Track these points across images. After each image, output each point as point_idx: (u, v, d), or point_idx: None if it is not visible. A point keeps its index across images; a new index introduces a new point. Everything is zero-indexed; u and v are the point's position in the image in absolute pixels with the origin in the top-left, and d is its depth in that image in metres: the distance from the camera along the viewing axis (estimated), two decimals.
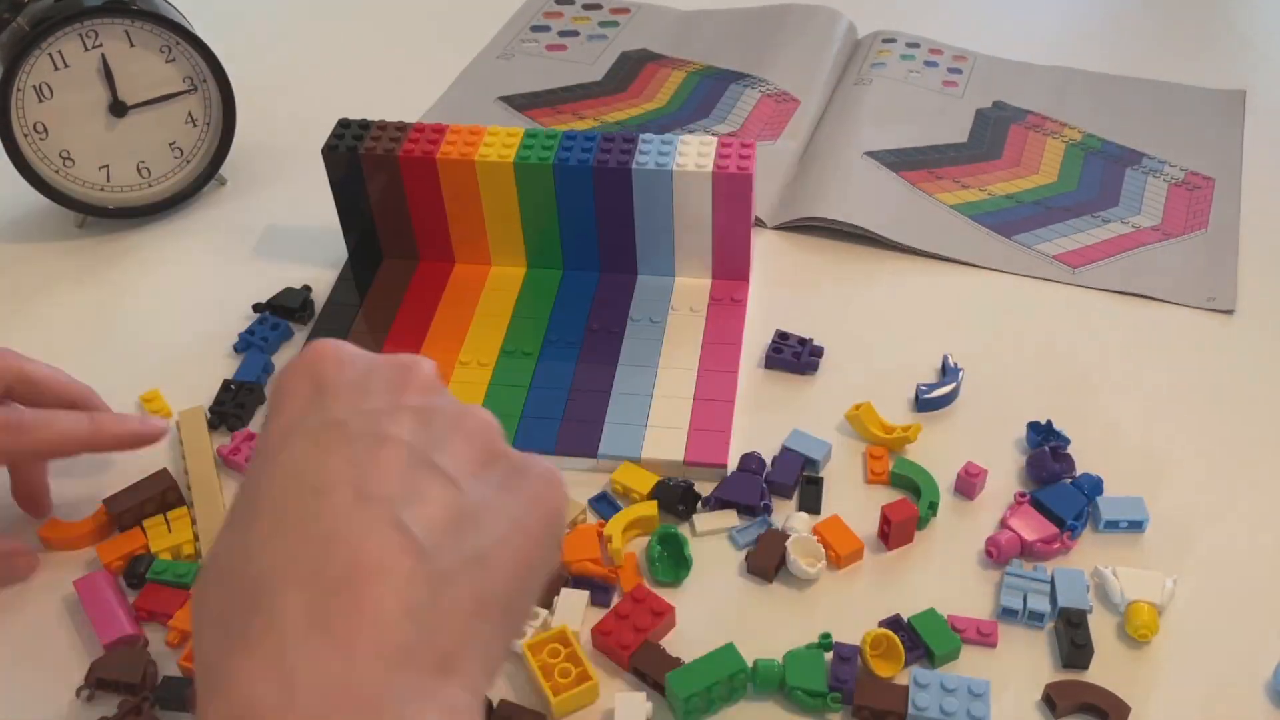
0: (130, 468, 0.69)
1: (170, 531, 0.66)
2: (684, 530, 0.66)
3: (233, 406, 0.73)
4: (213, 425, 0.73)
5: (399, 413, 0.41)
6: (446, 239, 0.81)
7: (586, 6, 1.15)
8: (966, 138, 0.96)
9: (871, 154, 0.92)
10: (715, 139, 0.77)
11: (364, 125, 0.79)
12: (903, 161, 0.92)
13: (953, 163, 0.93)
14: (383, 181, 0.78)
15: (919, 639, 0.60)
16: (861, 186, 0.89)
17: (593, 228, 0.79)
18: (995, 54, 1.07)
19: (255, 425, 0.73)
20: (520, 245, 0.81)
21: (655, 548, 0.64)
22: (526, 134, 0.78)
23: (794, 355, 0.75)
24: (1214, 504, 0.67)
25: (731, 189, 0.75)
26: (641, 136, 0.77)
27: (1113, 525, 0.65)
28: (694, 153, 0.76)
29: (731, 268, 0.80)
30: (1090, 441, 0.70)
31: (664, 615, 0.61)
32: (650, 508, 0.66)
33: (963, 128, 0.97)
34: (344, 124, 0.79)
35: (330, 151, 0.78)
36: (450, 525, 0.39)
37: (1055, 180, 0.91)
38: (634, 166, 0.75)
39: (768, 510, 0.67)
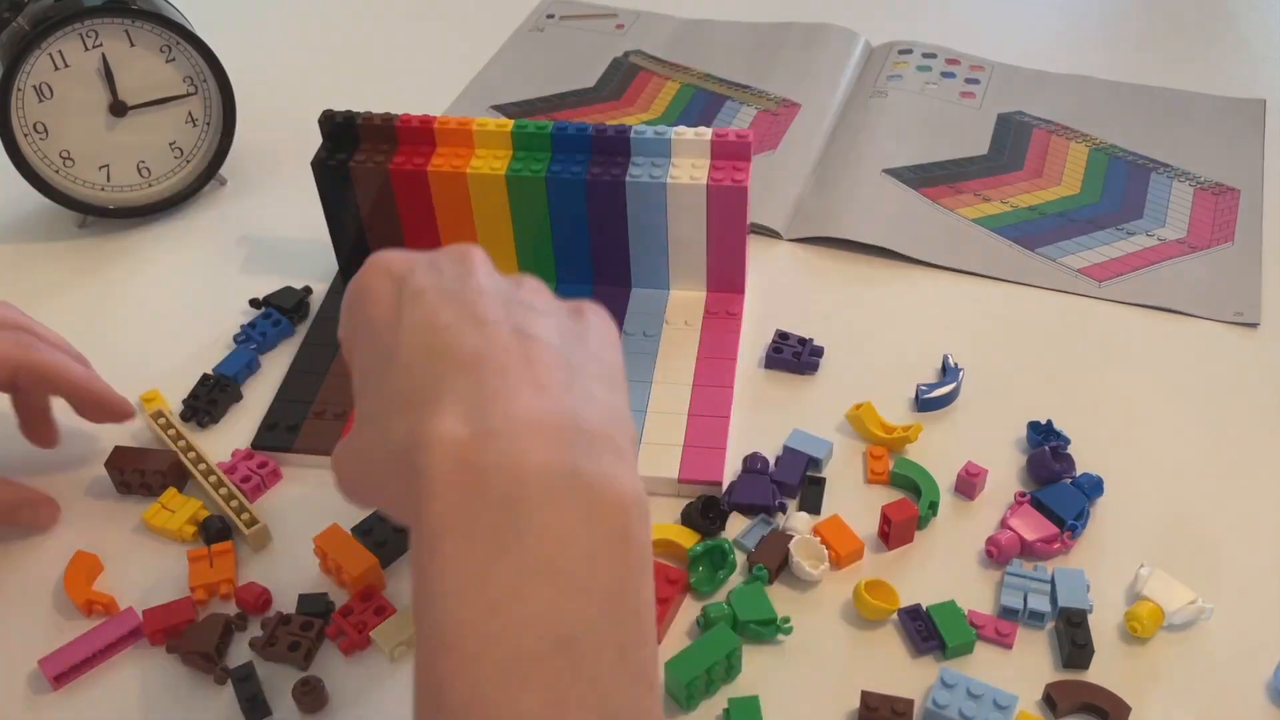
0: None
1: (173, 512, 0.67)
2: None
3: (205, 402, 0.73)
4: (184, 417, 0.73)
5: (475, 274, 0.46)
6: (436, 240, 0.80)
7: (586, 16, 1.14)
8: (987, 148, 0.96)
9: (890, 171, 0.92)
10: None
11: (349, 117, 0.77)
12: (922, 178, 0.92)
13: (973, 175, 0.92)
14: (373, 194, 0.77)
15: (934, 629, 0.60)
16: (882, 205, 0.88)
17: (586, 240, 0.78)
18: (1012, 63, 1.06)
19: (227, 422, 0.73)
20: (513, 257, 0.80)
21: (697, 568, 0.64)
22: (515, 130, 0.76)
23: (794, 355, 0.75)
24: (1219, 507, 0.67)
25: (726, 201, 0.75)
26: (634, 129, 0.76)
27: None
28: (688, 165, 0.75)
29: (726, 280, 0.79)
30: (1094, 444, 0.70)
31: (678, 584, 0.62)
32: (682, 535, 0.65)
33: (983, 138, 0.97)
34: (328, 114, 0.78)
35: (319, 165, 0.77)
36: (561, 334, 0.45)
37: (1078, 191, 0.91)
38: (627, 180, 0.74)
39: (783, 509, 0.67)
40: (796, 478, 0.68)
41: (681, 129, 0.76)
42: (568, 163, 0.75)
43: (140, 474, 0.68)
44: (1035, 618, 0.61)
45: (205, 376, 0.75)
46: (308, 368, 0.76)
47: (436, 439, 0.40)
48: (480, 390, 0.41)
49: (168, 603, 0.63)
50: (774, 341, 0.76)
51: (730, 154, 0.75)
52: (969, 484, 0.67)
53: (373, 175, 0.76)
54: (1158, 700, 0.58)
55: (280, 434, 0.72)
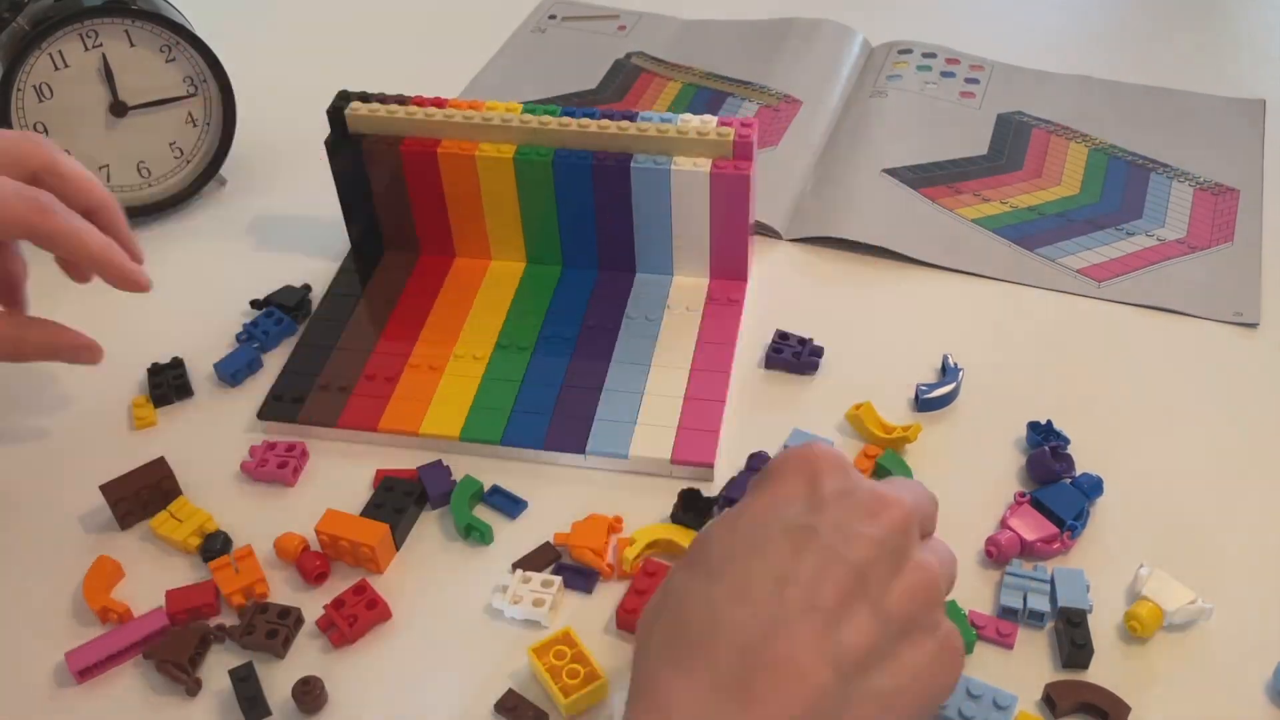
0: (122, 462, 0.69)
1: (181, 521, 0.66)
2: None
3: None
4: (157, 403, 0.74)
5: (864, 541, 0.46)
6: (447, 231, 0.81)
7: (588, 18, 1.14)
8: (986, 148, 0.96)
9: (890, 171, 0.92)
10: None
11: (364, 99, 0.79)
12: (921, 178, 0.92)
13: (973, 176, 0.92)
14: (385, 171, 0.79)
15: None
16: (882, 205, 0.88)
17: (591, 223, 0.79)
18: (1012, 63, 1.06)
19: (225, 417, 0.74)
20: (520, 240, 0.80)
21: None
22: (524, 108, 0.77)
23: (794, 355, 0.75)
24: (1219, 507, 0.67)
25: (729, 190, 0.75)
26: (641, 115, 0.77)
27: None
28: (694, 131, 0.75)
29: (729, 268, 0.80)
30: (1094, 444, 0.69)
31: None
32: (681, 535, 0.65)
33: (982, 138, 0.97)
34: (344, 95, 0.80)
35: (333, 143, 0.78)
36: (865, 658, 0.44)
37: (1078, 192, 0.91)
38: (633, 165, 0.75)
39: None
40: None
41: (687, 116, 0.76)
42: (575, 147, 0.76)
43: (136, 497, 0.67)
44: (1035, 618, 0.61)
45: (177, 360, 0.76)
46: (316, 341, 0.77)
47: (659, 700, 0.43)
48: (730, 684, 0.43)
49: (189, 585, 0.63)
50: (774, 341, 0.76)
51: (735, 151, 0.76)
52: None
53: (385, 154, 0.77)
54: (1158, 700, 0.58)
55: (286, 405, 0.73)
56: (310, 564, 0.64)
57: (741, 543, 0.46)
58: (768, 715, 0.41)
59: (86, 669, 0.60)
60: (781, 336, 0.76)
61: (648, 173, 0.75)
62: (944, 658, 0.47)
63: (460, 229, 0.81)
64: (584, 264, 0.81)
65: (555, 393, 0.73)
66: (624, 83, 1.04)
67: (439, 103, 0.79)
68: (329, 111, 0.79)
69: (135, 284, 0.69)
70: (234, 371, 0.75)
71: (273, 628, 0.60)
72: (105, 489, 0.67)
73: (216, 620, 0.62)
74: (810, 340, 0.76)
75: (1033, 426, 0.70)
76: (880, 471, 0.68)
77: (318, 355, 0.76)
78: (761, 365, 0.76)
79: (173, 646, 0.60)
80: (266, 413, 0.72)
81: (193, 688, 0.59)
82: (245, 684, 0.58)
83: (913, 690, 0.46)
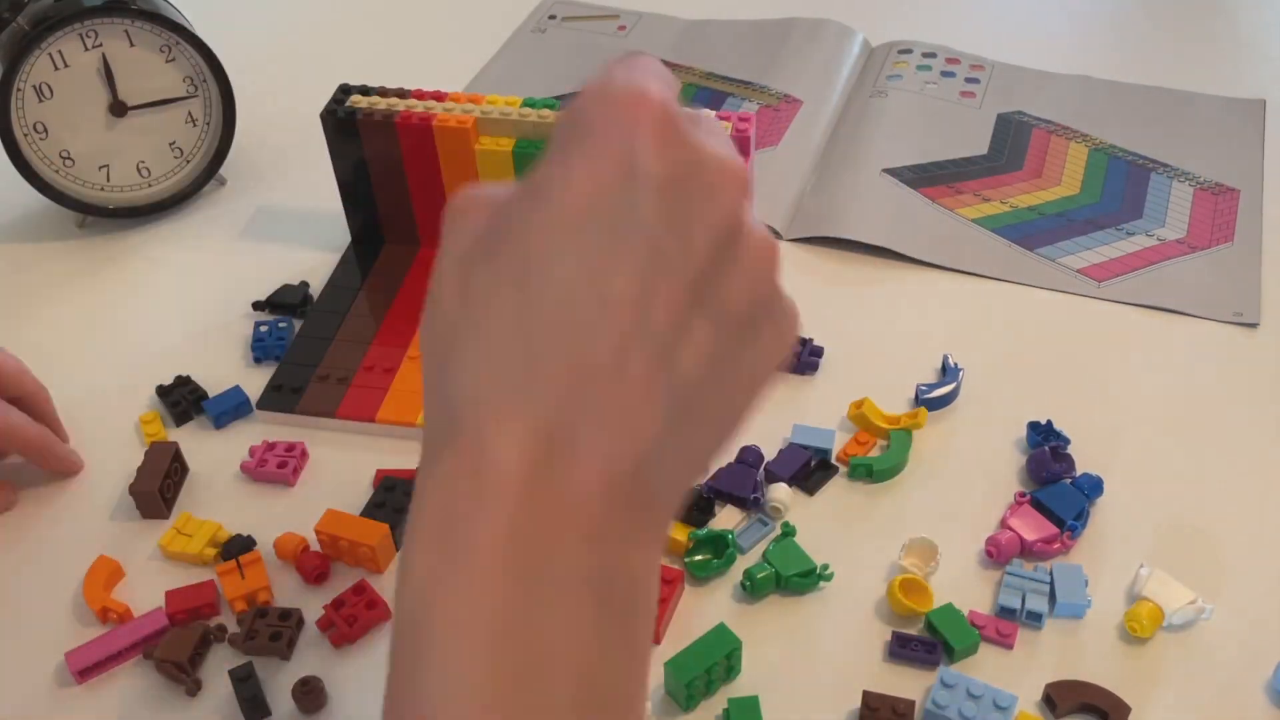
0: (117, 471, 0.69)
1: (190, 536, 0.66)
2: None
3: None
4: (177, 421, 0.74)
5: (702, 235, 0.38)
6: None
7: (588, 18, 1.14)
8: (986, 148, 0.96)
9: (890, 171, 0.92)
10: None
11: (364, 91, 0.79)
12: (921, 178, 0.91)
13: (973, 175, 0.92)
14: (381, 148, 0.78)
15: (937, 634, 0.60)
16: (882, 205, 0.88)
17: None
18: (1012, 62, 1.06)
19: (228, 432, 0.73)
20: None
21: (694, 555, 0.65)
22: (524, 102, 0.78)
23: (793, 355, 0.75)
24: (1219, 507, 0.67)
25: None
26: None
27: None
28: None
29: None
30: (1094, 444, 0.69)
31: (674, 583, 0.62)
32: (679, 530, 0.65)
33: (982, 138, 0.97)
34: (344, 89, 0.80)
35: (329, 116, 0.78)
36: (702, 381, 0.38)
37: (1078, 192, 0.91)
38: None
39: (756, 504, 0.67)
40: (790, 471, 0.68)
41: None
42: None
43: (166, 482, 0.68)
44: (1033, 618, 0.61)
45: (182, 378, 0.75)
46: (316, 333, 0.77)
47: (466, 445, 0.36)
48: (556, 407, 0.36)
49: (189, 585, 0.63)
50: None
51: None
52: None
53: (379, 127, 0.77)
54: (1158, 700, 0.58)
55: (285, 395, 0.73)
56: (310, 564, 0.64)
57: (556, 240, 0.37)
58: (587, 479, 0.36)
59: (86, 669, 0.60)
60: None
61: None
62: (781, 341, 0.42)
63: None
64: None
65: None
66: None
67: (438, 96, 0.78)
68: (329, 105, 0.79)
69: (70, 467, 0.71)
70: (218, 415, 0.73)
71: (275, 630, 0.61)
72: (134, 490, 0.67)
73: (217, 620, 0.62)
74: (810, 340, 0.76)
75: (1033, 426, 0.70)
76: (891, 445, 0.69)
77: (317, 347, 0.76)
78: None
79: (172, 646, 0.60)
80: (265, 403, 0.73)
81: (192, 688, 0.59)
82: (245, 684, 0.58)
83: (749, 388, 0.41)
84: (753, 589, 0.62)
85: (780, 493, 0.67)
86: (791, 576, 0.62)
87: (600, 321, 0.37)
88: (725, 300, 0.39)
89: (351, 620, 0.61)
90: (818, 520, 0.67)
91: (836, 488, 0.68)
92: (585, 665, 0.36)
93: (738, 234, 0.39)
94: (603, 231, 0.37)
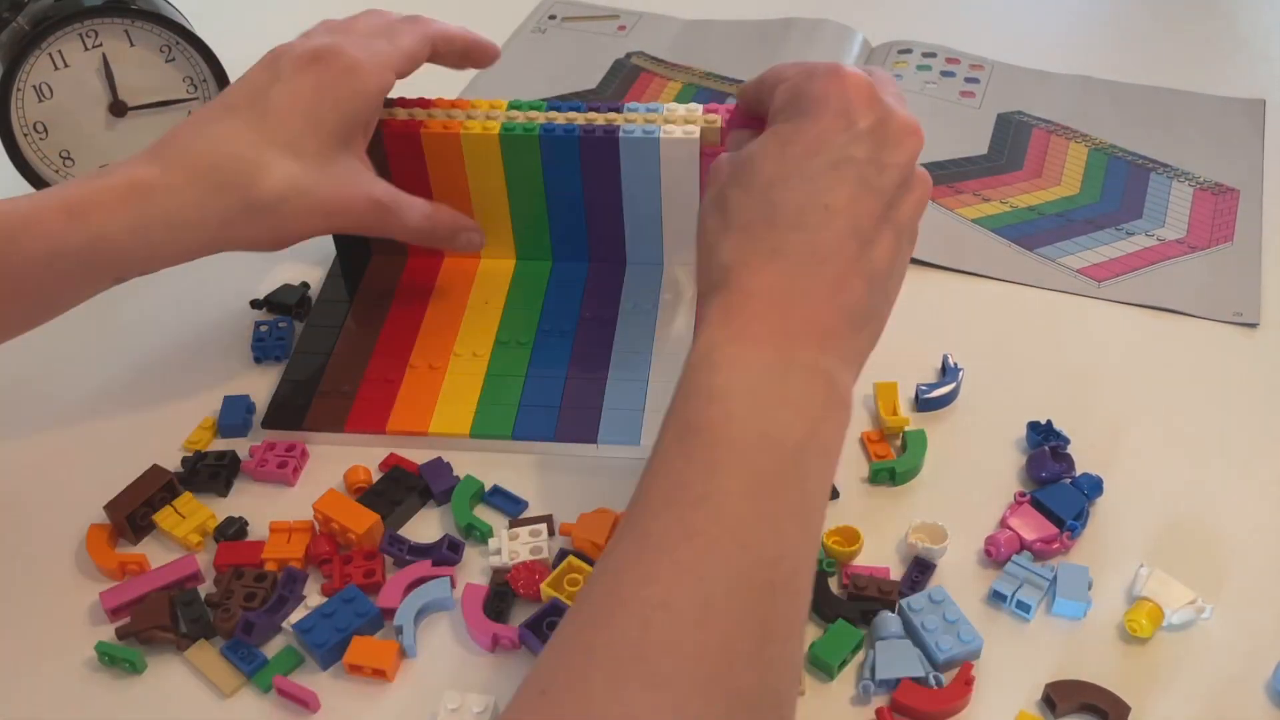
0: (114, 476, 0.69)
1: (184, 517, 0.66)
2: None
3: (207, 477, 0.69)
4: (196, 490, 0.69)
5: (892, 171, 0.56)
6: None
7: (588, 18, 1.14)
8: (986, 148, 0.96)
9: None
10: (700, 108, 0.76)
11: None
12: None
13: (973, 176, 0.92)
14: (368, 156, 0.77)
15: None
16: None
17: (580, 204, 0.78)
18: (1012, 63, 1.06)
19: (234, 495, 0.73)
20: (508, 233, 0.80)
21: None
22: (510, 104, 0.77)
23: None
24: (1219, 508, 0.67)
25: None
26: (628, 106, 0.76)
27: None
28: (681, 119, 0.75)
29: None
30: (1094, 444, 0.70)
31: None
32: None
33: (982, 138, 0.97)
34: None
35: None
36: (886, 268, 0.56)
37: (1078, 192, 0.91)
38: (621, 135, 0.74)
39: None
40: None
41: (673, 105, 0.76)
42: (560, 123, 0.75)
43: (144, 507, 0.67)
44: (1021, 608, 0.61)
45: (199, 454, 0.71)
46: (312, 349, 0.77)
47: (739, 284, 0.54)
48: (802, 263, 0.54)
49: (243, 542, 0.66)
50: None
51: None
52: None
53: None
54: (1158, 700, 0.58)
55: (290, 413, 0.72)
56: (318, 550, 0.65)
57: (793, 169, 0.55)
58: (816, 311, 0.53)
59: (119, 608, 0.62)
60: None
61: (636, 143, 0.74)
62: (911, 248, 0.59)
63: None
64: (574, 258, 0.81)
65: (561, 385, 0.73)
66: (624, 83, 1.04)
67: (423, 103, 0.78)
68: None
69: (489, 50, 0.78)
70: (225, 426, 0.73)
71: (250, 591, 0.63)
72: (110, 508, 0.66)
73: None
74: None
75: (1033, 426, 0.70)
76: (907, 444, 0.69)
77: (315, 362, 0.75)
78: None
79: (147, 615, 0.61)
80: (270, 421, 0.72)
81: (183, 644, 0.60)
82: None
83: (902, 280, 0.58)
84: None
85: None
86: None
87: (824, 221, 0.54)
88: (902, 216, 0.57)
89: (345, 577, 0.63)
90: None
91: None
92: (815, 421, 0.51)
93: (913, 171, 0.58)
94: (826, 164, 0.55)
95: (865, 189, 0.54)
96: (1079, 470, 0.68)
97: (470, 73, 1.05)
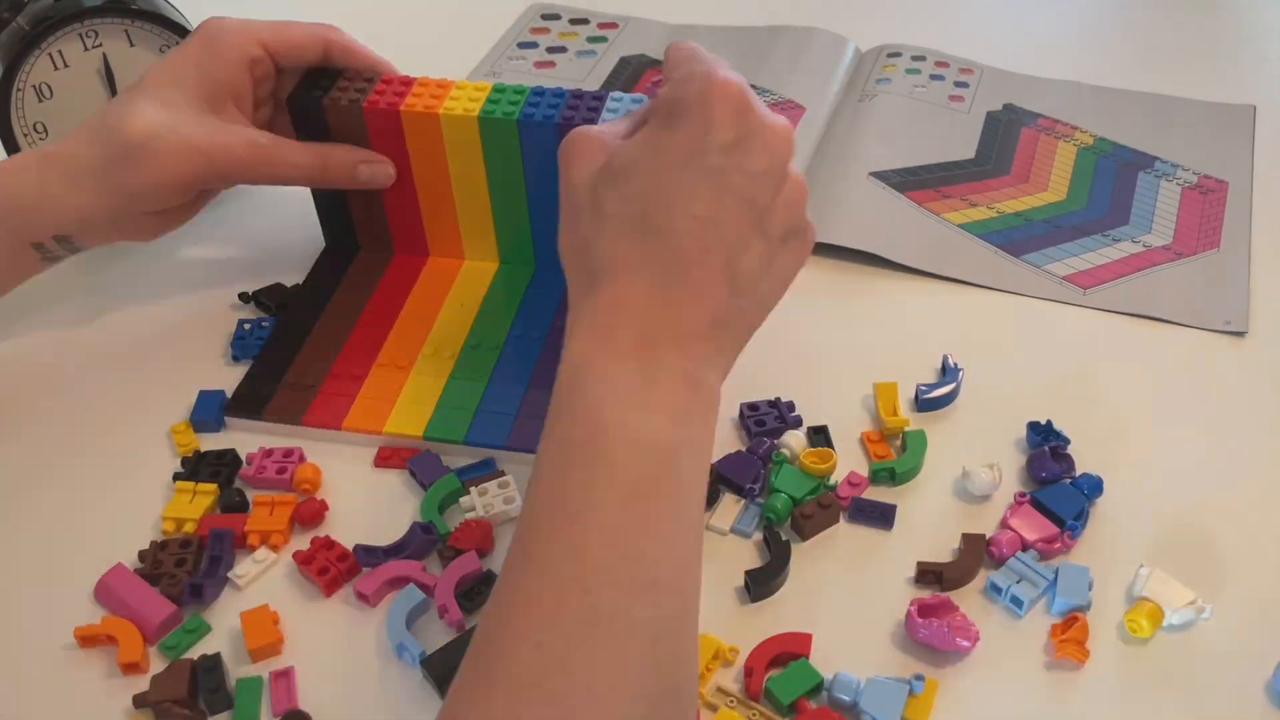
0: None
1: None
2: None
3: (208, 475, 0.69)
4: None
5: (762, 179, 0.56)
6: (418, 221, 0.81)
7: (573, 21, 1.14)
8: (974, 152, 0.96)
9: (877, 174, 0.92)
10: None
11: (330, 76, 0.77)
12: (908, 181, 0.92)
13: (960, 180, 0.93)
14: (347, 134, 0.77)
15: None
16: (867, 209, 0.88)
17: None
18: (1002, 67, 1.06)
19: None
20: (491, 227, 0.80)
21: None
22: (494, 88, 0.76)
23: (778, 420, 0.72)
24: (1217, 511, 0.68)
25: None
26: (611, 95, 0.75)
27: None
28: None
29: None
30: (1089, 453, 0.70)
31: None
32: None
33: (970, 141, 0.97)
34: (312, 73, 0.77)
35: (295, 100, 0.76)
36: (756, 276, 0.57)
37: (1064, 198, 0.91)
38: (601, 119, 0.73)
39: (753, 494, 0.68)
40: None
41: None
42: (541, 106, 0.75)
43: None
44: (1015, 603, 0.62)
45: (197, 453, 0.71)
46: (286, 338, 0.77)
47: (603, 301, 0.56)
48: (655, 281, 0.55)
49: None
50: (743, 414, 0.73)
51: None
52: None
53: (347, 112, 0.76)
54: (1158, 700, 0.59)
55: (252, 403, 0.73)
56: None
57: (666, 181, 0.56)
58: (684, 316, 0.55)
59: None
60: (751, 408, 0.73)
61: None
62: (803, 249, 0.61)
63: (430, 213, 0.80)
64: (556, 264, 0.80)
65: (521, 392, 0.73)
66: (608, 86, 1.04)
67: (405, 80, 0.77)
68: (294, 91, 0.77)
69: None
70: (198, 421, 0.73)
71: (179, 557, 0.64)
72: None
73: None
74: (779, 400, 0.74)
75: (1033, 427, 0.70)
76: (907, 444, 0.70)
77: (286, 353, 0.76)
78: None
79: (167, 686, 0.58)
80: (232, 409, 0.72)
81: (197, 717, 0.58)
82: (210, 675, 0.59)
83: (782, 283, 0.60)
84: (778, 517, 0.66)
85: (793, 439, 0.70)
86: (804, 496, 0.66)
87: (692, 230, 0.55)
88: (772, 224, 0.57)
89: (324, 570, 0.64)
90: None
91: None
92: (684, 424, 0.53)
93: (784, 178, 0.58)
94: (696, 173, 0.55)
95: (734, 198, 0.55)
96: (1079, 471, 0.69)
97: (462, 77, 1.05)
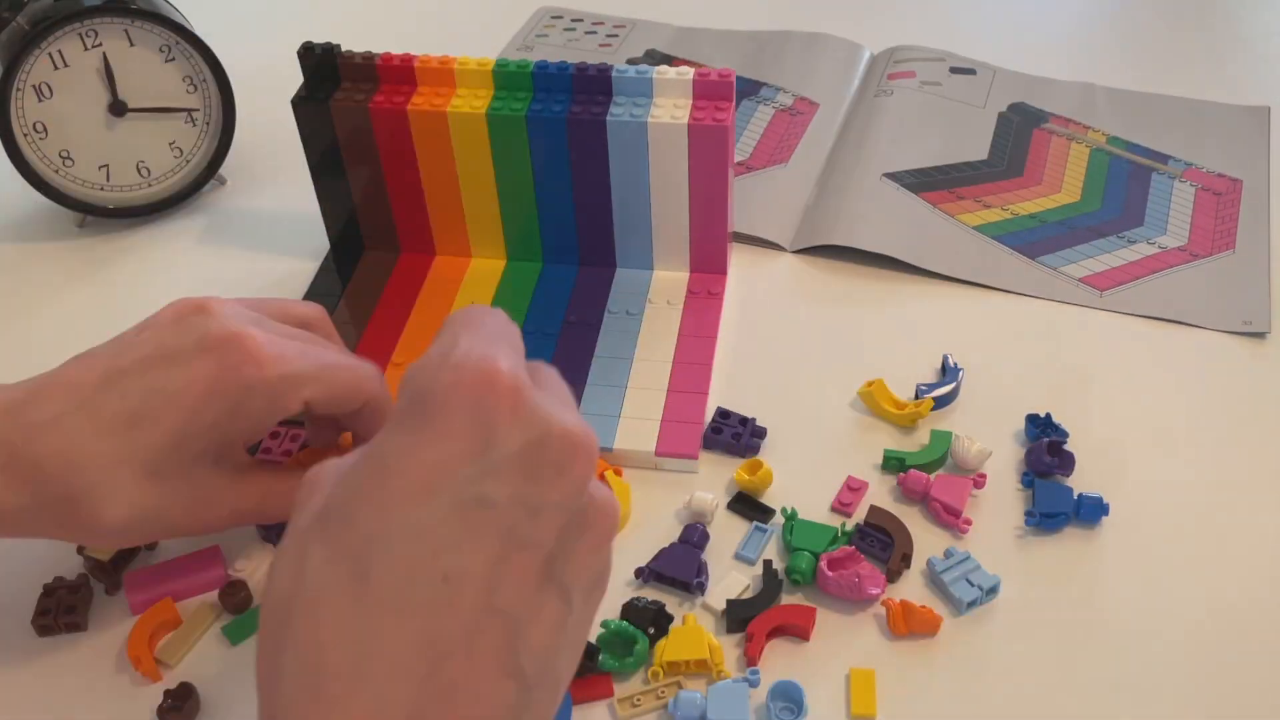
0: None
1: None
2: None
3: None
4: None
5: (552, 513, 0.38)
6: (425, 219, 0.81)
7: (575, 20, 1.14)
8: (987, 153, 0.95)
9: (891, 175, 0.91)
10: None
11: (328, 49, 0.78)
12: (922, 183, 0.91)
13: (974, 181, 0.92)
14: (353, 136, 0.77)
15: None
16: (881, 210, 0.87)
17: (568, 185, 0.77)
18: (1015, 69, 1.05)
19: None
20: (498, 230, 0.80)
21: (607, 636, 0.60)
22: (496, 68, 0.75)
23: (734, 436, 0.70)
24: (1227, 518, 0.66)
25: (707, 143, 0.74)
26: (616, 68, 0.75)
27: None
28: (669, 105, 0.74)
29: (709, 261, 0.80)
30: (1099, 456, 0.69)
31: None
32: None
33: (983, 142, 0.96)
34: (308, 47, 0.78)
35: (299, 104, 0.76)
36: (552, 648, 0.39)
37: (1078, 199, 0.90)
38: (608, 119, 0.74)
39: (701, 589, 0.62)
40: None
41: (663, 68, 0.75)
42: (549, 102, 0.75)
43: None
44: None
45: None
46: None
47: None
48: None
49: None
50: (714, 420, 0.71)
51: (712, 93, 0.75)
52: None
53: (352, 114, 0.76)
54: (1158, 700, 0.58)
55: None
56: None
57: (397, 520, 0.36)
58: None
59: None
60: (722, 415, 0.71)
61: (623, 126, 0.74)
62: (599, 597, 0.43)
63: (438, 211, 0.80)
64: (564, 260, 0.81)
65: None
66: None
67: (406, 61, 0.77)
68: (300, 91, 0.77)
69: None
70: None
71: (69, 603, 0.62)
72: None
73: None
74: (752, 420, 0.71)
75: (1031, 419, 0.70)
76: (931, 444, 0.69)
77: None
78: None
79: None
80: None
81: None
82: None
83: (581, 647, 0.42)
84: (803, 578, 0.62)
85: (700, 500, 0.66)
86: (826, 547, 0.63)
87: (445, 600, 0.36)
88: (572, 570, 0.39)
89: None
90: None
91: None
92: None
93: (584, 506, 0.40)
94: (448, 508, 0.36)
95: (511, 543, 0.37)
96: (1078, 473, 0.68)
97: None
